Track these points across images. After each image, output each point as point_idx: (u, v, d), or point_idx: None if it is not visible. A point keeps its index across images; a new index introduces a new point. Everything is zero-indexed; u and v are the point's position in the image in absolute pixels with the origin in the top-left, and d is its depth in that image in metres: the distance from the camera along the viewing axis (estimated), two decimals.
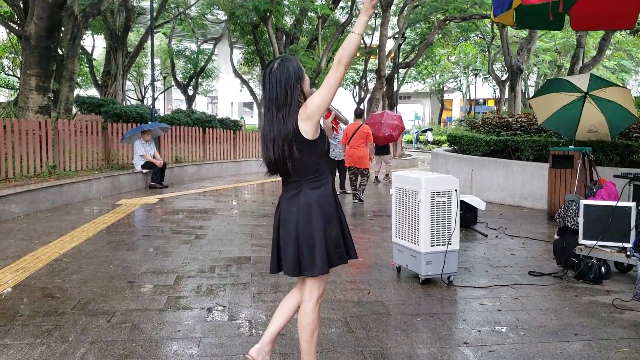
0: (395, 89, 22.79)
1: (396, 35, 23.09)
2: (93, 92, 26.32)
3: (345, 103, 36.54)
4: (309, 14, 21.41)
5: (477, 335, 3.41)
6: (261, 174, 2.53)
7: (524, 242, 6.17)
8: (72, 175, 8.96)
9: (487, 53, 28.52)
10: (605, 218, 4.46)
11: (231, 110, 46.13)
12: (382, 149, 12.89)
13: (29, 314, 3.62)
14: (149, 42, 16.65)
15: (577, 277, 4.60)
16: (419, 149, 32.74)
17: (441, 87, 44.22)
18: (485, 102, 43.11)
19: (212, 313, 3.70)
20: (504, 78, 26.71)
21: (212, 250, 5.51)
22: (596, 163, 7.59)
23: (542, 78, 33.38)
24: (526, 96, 29.20)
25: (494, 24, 21.40)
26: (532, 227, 7.13)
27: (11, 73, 24.84)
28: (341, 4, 22.19)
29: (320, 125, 2.44)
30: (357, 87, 38.76)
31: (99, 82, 22.36)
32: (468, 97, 42.27)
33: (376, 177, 13.20)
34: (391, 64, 23.08)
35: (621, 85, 15.94)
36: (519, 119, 10.32)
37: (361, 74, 32.75)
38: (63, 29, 11.60)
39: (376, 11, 13.91)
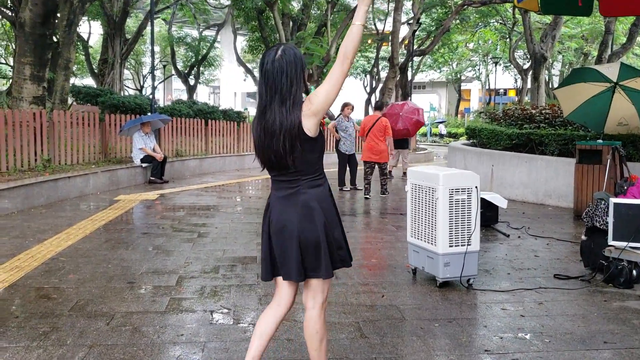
0: (409, 78, 22.68)
1: (410, 21, 22.97)
2: (89, 81, 26.48)
3: (356, 92, 36.47)
4: None
5: (498, 342, 3.40)
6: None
7: (549, 243, 6.14)
8: (68, 169, 9.03)
9: (508, 40, 28.29)
10: (637, 217, 4.42)
11: (234, 100, 46.25)
12: (400, 143, 12.87)
13: (24, 315, 3.66)
14: (148, 28, 16.73)
15: (606, 281, 4.56)
16: (435, 142, 32.67)
17: (458, 76, 44.06)
18: (505, 92, 42.87)
19: (217, 316, 3.72)
20: (526, 67, 26.52)
21: (215, 250, 5.53)
22: (627, 158, 7.51)
23: (567, 67, 33.13)
24: (550, 86, 29.00)
25: (516, 9, 21.20)
26: (557, 226, 7.08)
27: (4, 61, 25.06)
28: None
29: None
30: (368, 76, 38.72)
31: (96, 71, 22.51)
32: (487, 87, 42.08)
33: (390, 171, 13.18)
34: (405, 52, 22.98)
35: None
36: (543, 111, 10.26)
37: (373, 62, 32.67)
38: (59, 15, 11.66)
39: None
